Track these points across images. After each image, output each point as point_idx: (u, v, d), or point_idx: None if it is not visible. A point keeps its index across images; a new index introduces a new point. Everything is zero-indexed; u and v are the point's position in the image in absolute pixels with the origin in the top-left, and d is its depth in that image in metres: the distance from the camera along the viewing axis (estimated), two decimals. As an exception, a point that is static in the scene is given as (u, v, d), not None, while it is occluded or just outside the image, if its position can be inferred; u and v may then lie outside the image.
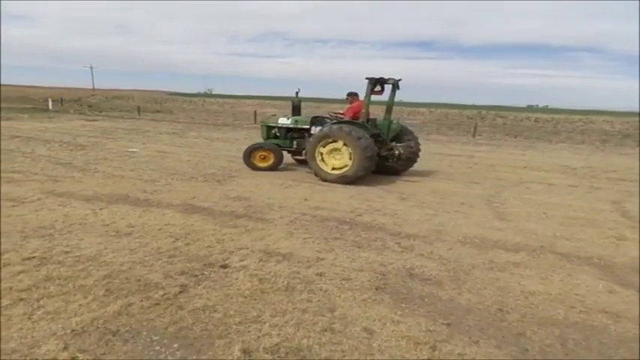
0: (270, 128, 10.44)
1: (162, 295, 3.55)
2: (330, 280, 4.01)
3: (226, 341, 2.96)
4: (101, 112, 32.61)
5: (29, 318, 3.14)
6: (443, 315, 3.43)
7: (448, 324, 3.30)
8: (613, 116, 48.98)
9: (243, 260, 4.40)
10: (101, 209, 6.12)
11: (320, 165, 8.80)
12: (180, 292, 3.65)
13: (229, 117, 33.10)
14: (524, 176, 10.49)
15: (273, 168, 9.74)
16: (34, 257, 4.25)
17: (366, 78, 8.82)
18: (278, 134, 10.32)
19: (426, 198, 7.68)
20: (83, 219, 5.61)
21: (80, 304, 3.35)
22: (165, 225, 5.49)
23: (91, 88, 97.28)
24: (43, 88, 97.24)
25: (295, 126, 10.02)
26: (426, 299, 3.70)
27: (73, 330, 3.01)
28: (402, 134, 9.64)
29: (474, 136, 22.82)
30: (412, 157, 9.61)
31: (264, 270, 4.17)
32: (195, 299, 3.52)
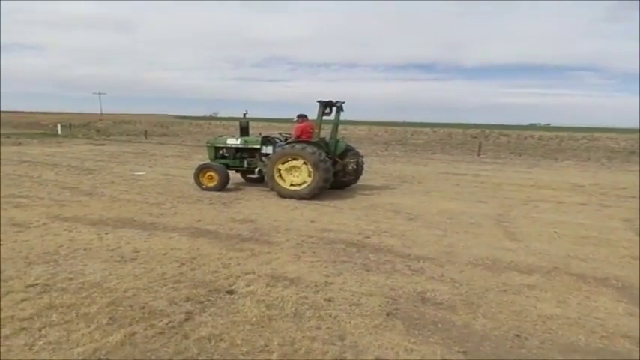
0: (217, 149, 10.60)
1: (167, 323, 3.45)
2: (340, 305, 3.90)
3: (233, 372, 2.85)
4: (109, 136, 32.90)
5: (30, 349, 3.05)
6: (458, 342, 3.30)
7: (464, 352, 3.17)
8: (616, 133, 48.84)
9: (249, 285, 4.30)
10: (107, 234, 6.05)
11: (278, 181, 9.17)
12: (186, 319, 3.54)
13: (234, 139, 33.25)
14: (532, 195, 10.36)
15: (219, 188, 9.72)
16: (37, 284, 4.18)
17: (318, 101, 9.37)
18: (226, 154, 10.51)
19: (434, 218, 7.57)
20: (88, 244, 5.55)
21: (83, 334, 3.26)
22: (171, 249, 5.41)
23: (99, 113, 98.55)
24: (52, 114, 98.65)
25: (245, 146, 10.26)
26: (439, 325, 3.57)
27: (74, 361, 2.91)
28: (347, 151, 10.15)
29: (478, 155, 22.73)
30: (360, 171, 10.38)
31: (271, 295, 4.07)
32: (201, 327, 3.42)
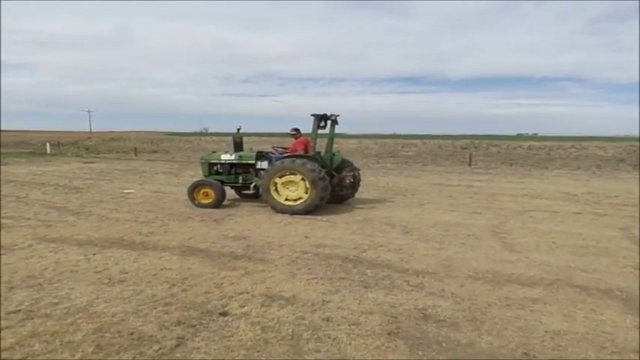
0: (211, 165, 10.41)
1: (157, 351, 3.26)
2: (338, 325, 3.73)
3: (228, 402, 2.67)
4: (98, 154, 32.58)
5: (10, 383, 2.85)
6: (464, 362, 3.15)
7: (471, 373, 3.02)
8: (602, 141, 49.43)
9: (243, 306, 4.13)
10: (94, 254, 5.85)
11: (274, 196, 8.95)
12: (177, 345, 3.36)
13: (225, 154, 33.03)
14: (526, 204, 10.31)
15: (215, 205, 9.49)
16: (19, 310, 3.97)
17: (312, 115, 9.26)
18: (220, 170, 10.31)
19: (430, 231, 7.45)
20: (75, 266, 5.34)
21: (67, 364, 3.06)
22: (161, 269, 5.22)
23: (89, 130, 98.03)
24: (41, 132, 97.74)
25: (240, 161, 10.09)
26: (444, 344, 3.42)
27: (57, 395, 2.71)
28: (343, 165, 10.01)
29: (469, 165, 22.78)
30: (357, 185, 10.24)
31: (266, 316, 3.89)
32: (193, 353, 3.23)
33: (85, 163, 23.43)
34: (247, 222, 8.12)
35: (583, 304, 4.24)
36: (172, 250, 6.12)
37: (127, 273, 5.08)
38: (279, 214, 8.75)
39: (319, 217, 8.45)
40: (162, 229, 7.50)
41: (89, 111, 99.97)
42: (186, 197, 10.87)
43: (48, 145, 35.38)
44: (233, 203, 10.24)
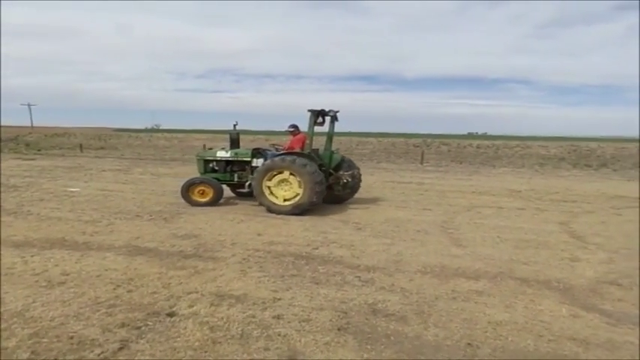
0: (207, 162, 10.11)
1: (99, 355, 3.12)
2: (289, 322, 3.72)
3: (173, 405, 2.59)
4: (39, 150, 30.75)
5: None
6: (411, 355, 3.22)
7: (418, 364, 3.09)
8: (545, 141, 52.17)
9: (192, 306, 4.03)
10: (32, 256, 5.52)
11: (269, 197, 8.66)
12: (120, 348, 3.22)
13: (178, 152, 32.17)
14: (474, 201, 10.70)
15: (212, 203, 9.30)
16: (-55, 318, 3.68)
17: (309, 110, 8.91)
18: (216, 168, 10.06)
19: (382, 227, 7.58)
20: (10, 268, 5.02)
21: (-3, 373, 2.87)
22: (105, 270, 5.00)
23: (30, 125, 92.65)
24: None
25: (235, 159, 9.82)
26: (391, 337, 3.48)
27: (-15, 407, 2.54)
28: (342, 163, 9.79)
29: (421, 163, 23.37)
30: (356, 184, 9.86)
31: (215, 316, 3.82)
32: (137, 356, 3.12)
33: (25, 160, 22.08)
34: (199, 220, 7.93)
35: (523, 295, 4.45)
36: (118, 250, 5.89)
37: (67, 275, 4.83)
38: (232, 212, 8.62)
39: (272, 215, 8.39)
40: (108, 228, 7.19)
41: (29, 105, 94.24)
42: (135, 195, 10.54)
43: (-17, 140, 33.11)
44: (185, 202, 9.94)
